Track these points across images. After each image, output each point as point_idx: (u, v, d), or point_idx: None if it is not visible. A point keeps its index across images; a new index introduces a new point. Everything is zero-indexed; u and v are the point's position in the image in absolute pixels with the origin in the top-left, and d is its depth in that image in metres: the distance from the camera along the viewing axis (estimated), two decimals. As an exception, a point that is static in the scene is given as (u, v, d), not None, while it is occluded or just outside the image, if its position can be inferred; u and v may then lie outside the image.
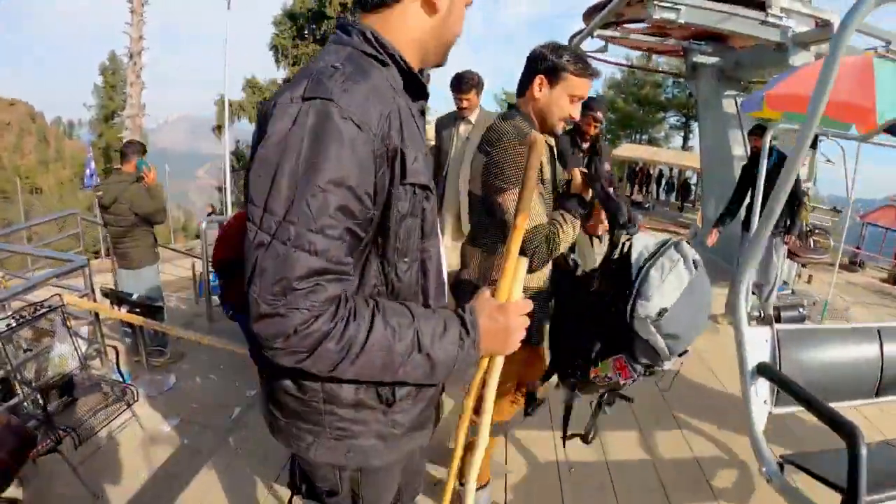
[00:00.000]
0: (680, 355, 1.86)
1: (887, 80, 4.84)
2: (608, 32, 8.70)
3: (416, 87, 1.25)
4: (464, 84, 4.12)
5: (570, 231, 1.98)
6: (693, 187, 28.45)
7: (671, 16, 6.36)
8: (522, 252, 1.50)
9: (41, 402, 3.42)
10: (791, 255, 6.61)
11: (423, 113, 1.30)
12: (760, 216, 5.39)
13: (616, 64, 19.40)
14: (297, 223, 0.99)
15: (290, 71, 30.88)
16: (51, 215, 11.35)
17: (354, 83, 1.06)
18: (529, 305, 1.25)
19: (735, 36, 7.58)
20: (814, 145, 7.09)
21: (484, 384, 1.29)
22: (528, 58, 2.04)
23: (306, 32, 31.49)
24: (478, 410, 1.31)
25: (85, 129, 38.23)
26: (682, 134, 38.37)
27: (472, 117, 4.25)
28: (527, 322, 1.24)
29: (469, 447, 1.41)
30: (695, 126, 31.40)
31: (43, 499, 3.16)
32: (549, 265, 2.14)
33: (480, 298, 1.22)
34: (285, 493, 2.84)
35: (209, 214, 16.51)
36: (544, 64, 1.98)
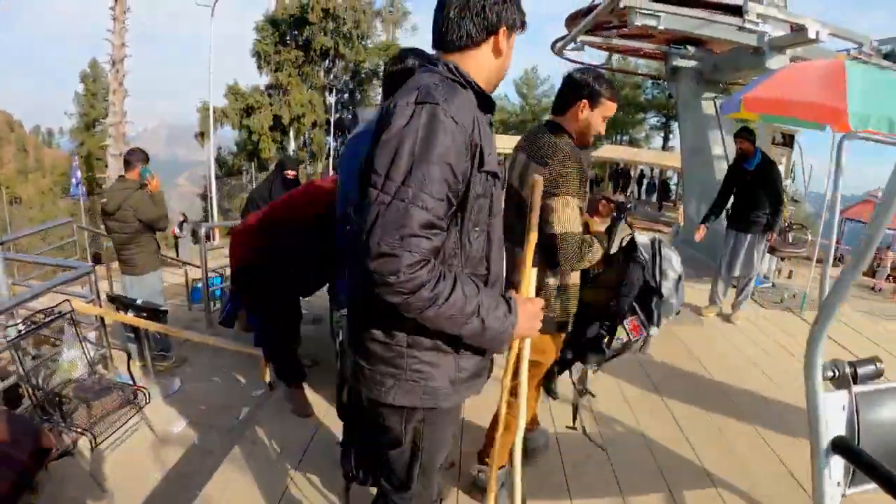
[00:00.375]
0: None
1: (858, 82, 5.00)
2: (590, 38, 8.89)
3: (486, 104, 1.62)
4: None
5: (596, 254, 2.41)
6: (673, 187, 28.82)
7: (652, 22, 6.55)
8: (557, 249, 2.26)
9: (57, 405, 3.50)
10: (771, 249, 6.82)
11: (490, 124, 1.67)
12: (742, 216, 5.61)
13: (597, 66, 19.65)
14: (413, 187, 1.35)
15: (272, 77, 30.86)
16: (47, 224, 11.29)
17: (451, 95, 1.45)
18: (542, 303, 1.69)
19: (713, 40, 7.80)
20: (791, 144, 7.35)
21: (516, 373, 1.79)
22: (570, 83, 2.39)
23: (288, 38, 31.42)
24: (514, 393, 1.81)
25: (66, 137, 37.73)
26: (663, 134, 38.81)
27: None
28: (542, 315, 1.66)
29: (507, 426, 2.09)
30: (674, 126, 31.82)
31: (56, 503, 3.20)
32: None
33: (515, 294, 1.63)
34: (305, 486, 2.95)
35: (181, 223, 16.43)
36: (588, 90, 2.34)
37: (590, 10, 7.82)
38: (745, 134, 5.90)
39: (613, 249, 2.60)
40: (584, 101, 2.34)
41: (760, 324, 6.07)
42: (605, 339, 2.64)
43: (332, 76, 34.13)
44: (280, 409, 3.74)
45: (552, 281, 2.42)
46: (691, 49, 8.58)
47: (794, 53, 7.38)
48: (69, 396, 3.55)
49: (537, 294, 1.86)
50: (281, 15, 30.79)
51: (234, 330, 5.23)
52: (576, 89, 2.36)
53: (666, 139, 37.66)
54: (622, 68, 25.81)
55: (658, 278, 2.56)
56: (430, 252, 1.38)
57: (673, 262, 2.61)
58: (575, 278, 2.51)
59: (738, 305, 6.14)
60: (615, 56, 16.57)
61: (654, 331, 2.54)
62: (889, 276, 11.66)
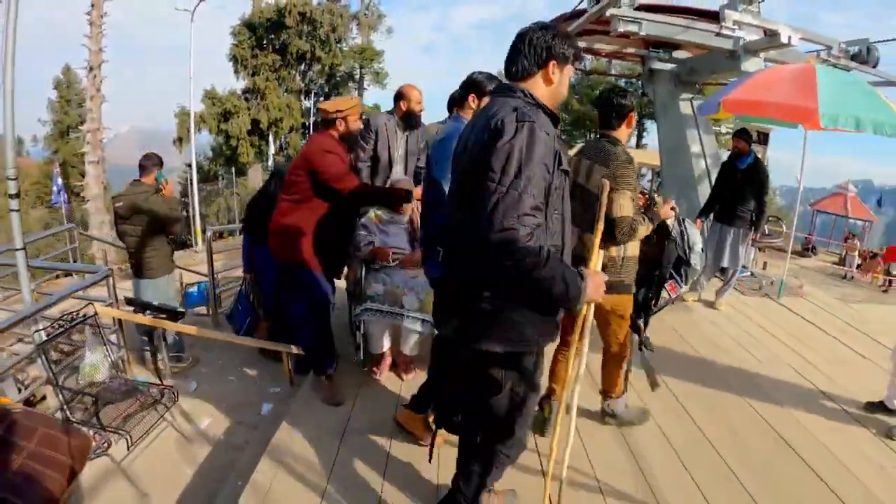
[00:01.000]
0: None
1: (828, 84, 5.36)
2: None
3: (554, 121, 2.13)
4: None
5: (643, 231, 3.10)
6: (647, 183, 29.31)
7: (633, 28, 6.84)
8: (615, 228, 2.97)
9: (87, 406, 3.62)
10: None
11: (560, 136, 2.23)
12: (729, 210, 5.93)
13: (583, 71, 20.04)
14: (523, 181, 1.88)
15: (249, 81, 30.66)
16: (49, 231, 11.30)
17: (537, 115, 2.00)
18: (605, 277, 2.17)
19: (691, 45, 8.12)
20: (766, 141, 7.72)
21: (582, 330, 2.29)
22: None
23: (265, 42, 31.25)
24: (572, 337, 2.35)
25: (38, 146, 37.04)
26: (636, 132, 39.28)
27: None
28: (604, 286, 2.12)
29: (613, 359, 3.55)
30: (647, 125, 32.31)
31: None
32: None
33: (585, 269, 2.10)
34: (349, 468, 3.15)
35: None
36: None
37: (573, 14, 8.09)
38: (742, 135, 6.30)
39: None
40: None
41: (742, 309, 6.45)
42: (653, 301, 3.60)
43: (308, 80, 34.06)
44: (309, 401, 3.91)
45: (617, 253, 3.20)
46: (667, 55, 8.91)
47: (767, 56, 7.71)
48: (96, 398, 3.60)
49: (604, 268, 2.81)
50: (258, 19, 30.56)
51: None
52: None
53: (640, 137, 38.12)
54: (598, 70, 26.21)
55: (687, 252, 3.49)
56: (536, 227, 1.89)
57: (696, 237, 3.54)
58: (634, 250, 3.28)
59: (722, 293, 6.50)
60: (588, 57, 16.90)
61: (683, 288, 3.60)
62: (859, 265, 12.09)
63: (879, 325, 6.11)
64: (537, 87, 2.14)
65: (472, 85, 3.41)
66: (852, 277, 11.15)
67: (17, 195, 3.94)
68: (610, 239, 3.01)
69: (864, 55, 8.57)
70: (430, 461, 2.91)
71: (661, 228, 3.42)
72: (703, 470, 3.28)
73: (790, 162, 5.72)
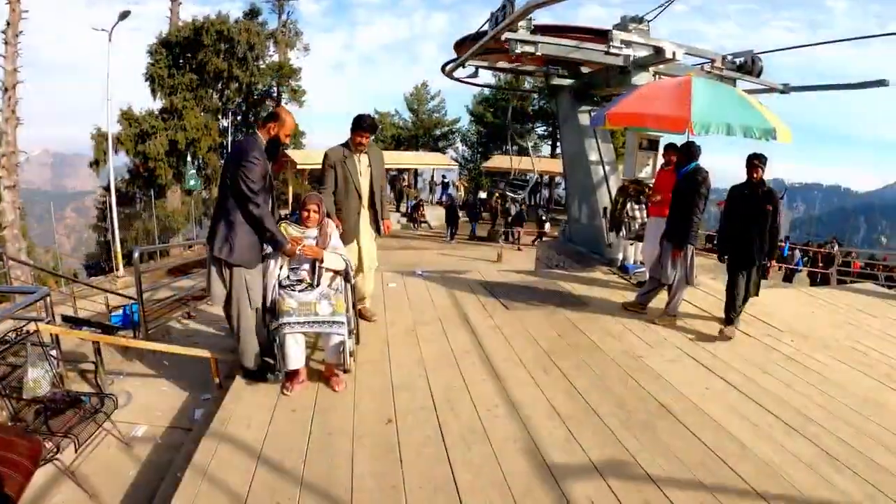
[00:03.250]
0: None
1: (702, 94, 6.02)
2: (477, 61, 9.75)
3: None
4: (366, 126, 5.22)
5: None
6: (563, 192, 30.49)
7: (530, 49, 7.45)
8: None
9: (40, 416, 3.82)
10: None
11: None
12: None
13: (487, 86, 20.81)
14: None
15: (166, 101, 30.10)
16: None
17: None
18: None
19: (586, 62, 8.82)
20: (656, 147, 8.43)
21: None
22: None
23: (182, 61, 30.83)
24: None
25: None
26: (551, 143, 40.56)
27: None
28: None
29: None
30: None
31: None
32: None
33: None
34: (279, 439, 3.50)
35: None
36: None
37: (476, 35, 8.66)
38: (671, 148, 6.79)
39: None
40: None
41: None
42: None
43: (225, 98, 33.75)
44: (237, 396, 4.23)
45: None
46: (565, 71, 9.63)
47: (657, 70, 8.45)
48: (44, 407, 3.78)
49: None
50: (175, 38, 30.17)
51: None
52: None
53: (554, 147, 39.30)
54: (510, 85, 27.12)
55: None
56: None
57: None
58: None
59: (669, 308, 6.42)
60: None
61: None
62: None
63: (763, 306, 6.81)
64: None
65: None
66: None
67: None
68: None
69: (749, 65, 9.50)
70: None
71: None
72: (587, 434, 3.81)
73: (707, 165, 6.20)
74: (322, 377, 4.50)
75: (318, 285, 4.39)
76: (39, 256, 25.65)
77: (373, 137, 5.39)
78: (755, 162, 5.73)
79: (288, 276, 4.40)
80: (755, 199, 5.72)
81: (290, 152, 23.72)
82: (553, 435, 3.78)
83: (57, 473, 3.57)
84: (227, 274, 4.21)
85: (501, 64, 10.30)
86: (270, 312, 4.35)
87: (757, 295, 6.13)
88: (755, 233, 5.72)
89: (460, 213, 25.78)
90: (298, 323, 4.19)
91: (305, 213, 4.46)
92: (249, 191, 3.97)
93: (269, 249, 4.36)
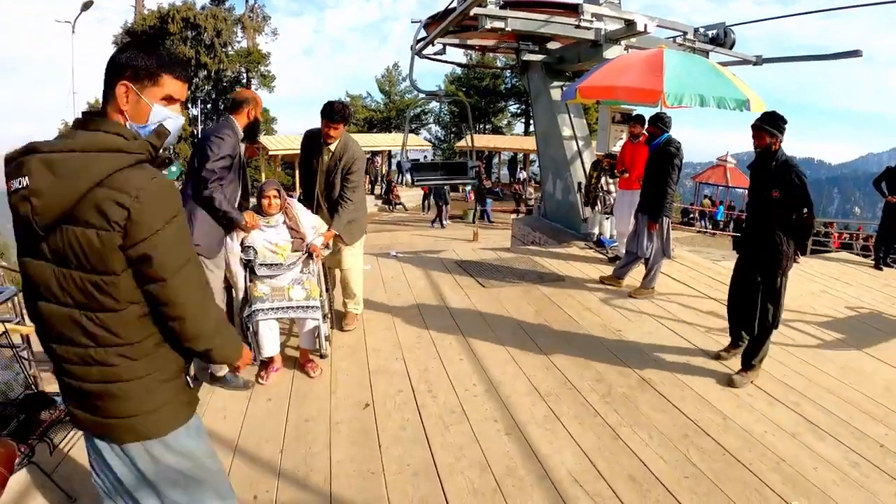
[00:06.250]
0: None
1: (674, 66, 5.96)
2: (447, 39, 9.63)
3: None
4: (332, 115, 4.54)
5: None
6: (539, 169, 30.61)
7: (500, 24, 7.33)
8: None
9: (17, 418, 3.71)
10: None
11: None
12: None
13: (458, 64, 20.63)
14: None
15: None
16: None
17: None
18: None
19: (557, 36, 8.74)
20: (626, 120, 8.41)
21: None
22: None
23: (147, 51, 30.35)
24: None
25: None
26: (524, 120, 40.61)
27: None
28: None
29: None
30: (535, 112, 33.81)
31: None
32: None
33: None
34: (254, 429, 3.44)
35: None
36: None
37: (446, 13, 8.53)
38: (636, 120, 6.84)
39: None
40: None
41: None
42: None
43: (193, 86, 33.30)
44: (212, 388, 4.11)
45: None
46: (536, 47, 9.54)
47: (629, 43, 8.40)
48: (16, 410, 3.70)
49: None
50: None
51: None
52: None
53: (527, 125, 39.38)
54: (481, 62, 26.93)
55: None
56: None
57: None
58: None
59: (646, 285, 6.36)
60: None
61: None
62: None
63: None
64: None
65: None
66: (714, 234, 12.21)
67: None
68: None
69: (721, 38, 9.52)
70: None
71: None
72: (567, 410, 3.80)
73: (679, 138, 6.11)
74: (297, 364, 4.41)
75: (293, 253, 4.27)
76: (12, 256, 25.17)
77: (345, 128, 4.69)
78: (757, 125, 4.16)
79: (257, 258, 4.19)
80: (765, 176, 4.16)
81: (262, 139, 23.44)
82: (533, 412, 3.74)
83: (35, 477, 3.44)
84: None
85: (473, 41, 10.17)
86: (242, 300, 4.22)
87: (769, 328, 4.24)
88: (763, 225, 4.18)
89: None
90: (272, 309, 4.08)
91: (266, 201, 4.17)
92: (205, 170, 3.71)
93: (234, 247, 4.12)
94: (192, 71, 32.06)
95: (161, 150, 1.74)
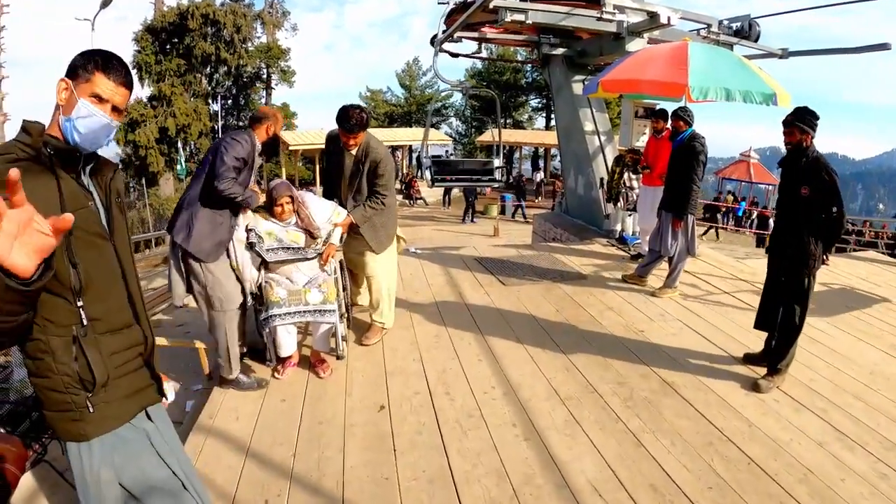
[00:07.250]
0: None
1: (699, 59, 5.83)
2: (467, 32, 9.52)
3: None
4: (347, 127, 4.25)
5: None
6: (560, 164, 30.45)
7: (520, 17, 7.21)
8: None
9: (22, 418, 3.73)
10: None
11: None
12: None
13: (480, 58, 20.45)
14: None
15: (155, 88, 29.86)
16: None
17: None
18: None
19: (578, 29, 8.59)
20: (648, 116, 8.25)
21: None
22: None
23: (169, 47, 30.55)
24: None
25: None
26: (545, 115, 40.35)
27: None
28: None
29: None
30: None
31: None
32: None
33: None
34: (266, 432, 3.38)
35: None
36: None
37: (465, 5, 8.41)
38: (659, 115, 6.56)
39: None
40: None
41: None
42: None
43: (214, 83, 33.52)
44: (225, 389, 4.06)
45: None
46: (557, 40, 9.39)
47: (651, 36, 8.23)
48: (30, 409, 3.73)
49: None
50: (160, 24, 29.86)
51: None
52: None
53: (549, 119, 39.13)
54: (503, 57, 26.80)
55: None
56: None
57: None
58: None
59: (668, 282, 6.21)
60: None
61: None
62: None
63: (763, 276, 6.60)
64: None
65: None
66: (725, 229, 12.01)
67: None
68: None
69: (746, 30, 9.30)
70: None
71: None
72: (588, 415, 3.68)
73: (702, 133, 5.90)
74: (311, 364, 4.35)
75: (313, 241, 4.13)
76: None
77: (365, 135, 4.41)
78: (789, 120, 4.06)
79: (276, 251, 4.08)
80: (795, 174, 4.07)
81: (283, 134, 23.53)
82: (553, 417, 3.63)
83: (48, 475, 3.41)
84: (185, 268, 3.84)
85: (492, 35, 10.03)
86: (254, 298, 4.16)
87: (795, 329, 4.10)
88: (791, 223, 4.08)
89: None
90: (289, 314, 4.01)
91: (279, 209, 3.97)
92: (221, 164, 3.61)
93: (239, 256, 3.98)
94: (211, 68, 32.18)
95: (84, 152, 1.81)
